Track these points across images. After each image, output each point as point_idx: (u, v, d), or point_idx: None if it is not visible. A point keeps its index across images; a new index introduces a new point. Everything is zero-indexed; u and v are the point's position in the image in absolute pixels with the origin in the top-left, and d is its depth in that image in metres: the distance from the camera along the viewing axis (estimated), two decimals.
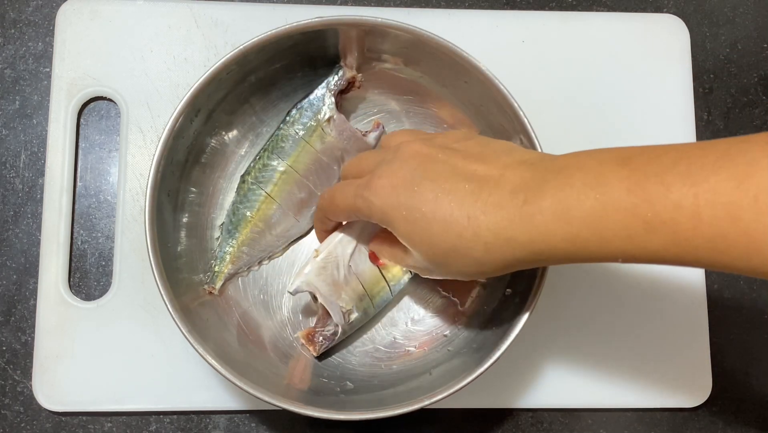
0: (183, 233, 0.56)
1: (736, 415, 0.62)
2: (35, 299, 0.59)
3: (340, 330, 0.54)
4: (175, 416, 0.59)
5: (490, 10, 0.65)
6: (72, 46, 0.61)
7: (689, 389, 0.61)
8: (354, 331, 0.57)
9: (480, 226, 0.41)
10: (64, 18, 0.61)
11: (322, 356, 0.56)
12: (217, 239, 0.57)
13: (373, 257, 0.54)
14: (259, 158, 0.58)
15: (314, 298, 0.54)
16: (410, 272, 0.55)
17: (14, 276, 0.60)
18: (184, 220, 0.56)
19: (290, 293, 0.54)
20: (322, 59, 0.57)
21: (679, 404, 0.61)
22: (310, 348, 0.54)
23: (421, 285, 0.59)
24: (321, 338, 0.54)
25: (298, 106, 0.58)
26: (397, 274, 0.55)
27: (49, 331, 0.57)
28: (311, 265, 0.54)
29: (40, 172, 0.61)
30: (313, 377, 0.55)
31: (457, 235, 0.42)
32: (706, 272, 0.62)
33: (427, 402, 0.49)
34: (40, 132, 0.62)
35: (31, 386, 0.58)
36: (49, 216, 0.59)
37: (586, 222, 0.38)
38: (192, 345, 0.49)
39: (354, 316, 0.54)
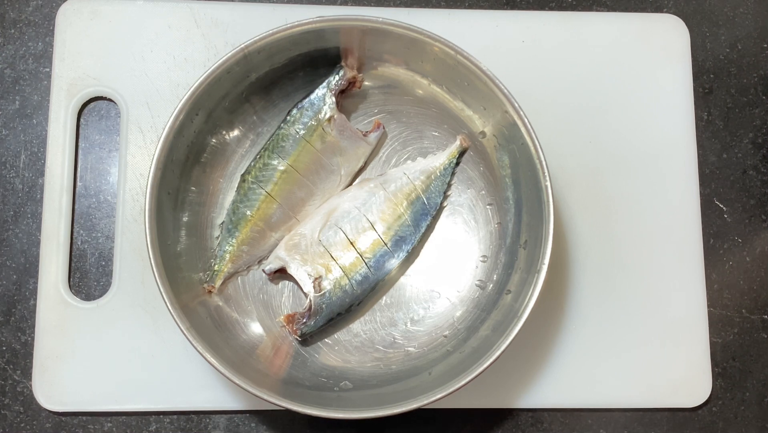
0: (183, 232, 0.56)
1: (736, 415, 0.62)
2: (35, 299, 0.59)
3: (313, 301, 0.55)
4: (175, 416, 0.59)
5: (490, 10, 0.65)
6: (72, 46, 0.61)
7: (689, 389, 0.60)
8: (340, 317, 0.57)
9: None
10: (64, 18, 0.61)
11: (306, 341, 0.57)
12: (217, 237, 0.57)
13: None
14: (260, 157, 0.58)
15: (288, 275, 0.56)
16: (392, 253, 0.57)
17: (14, 276, 0.60)
18: (185, 219, 0.56)
19: (264, 272, 0.57)
20: (323, 59, 0.57)
21: (679, 404, 0.60)
22: (289, 328, 0.55)
23: (419, 283, 0.59)
24: (299, 317, 0.56)
25: (299, 106, 0.58)
26: (371, 248, 0.57)
27: (49, 331, 0.57)
28: (282, 242, 0.57)
29: (40, 172, 0.61)
30: (312, 377, 0.55)
31: None
32: (705, 271, 0.62)
33: (426, 401, 0.49)
34: (40, 132, 0.62)
35: (31, 386, 0.57)
36: (49, 216, 0.59)
37: None
38: (192, 343, 0.49)
39: (326, 286, 0.55)
